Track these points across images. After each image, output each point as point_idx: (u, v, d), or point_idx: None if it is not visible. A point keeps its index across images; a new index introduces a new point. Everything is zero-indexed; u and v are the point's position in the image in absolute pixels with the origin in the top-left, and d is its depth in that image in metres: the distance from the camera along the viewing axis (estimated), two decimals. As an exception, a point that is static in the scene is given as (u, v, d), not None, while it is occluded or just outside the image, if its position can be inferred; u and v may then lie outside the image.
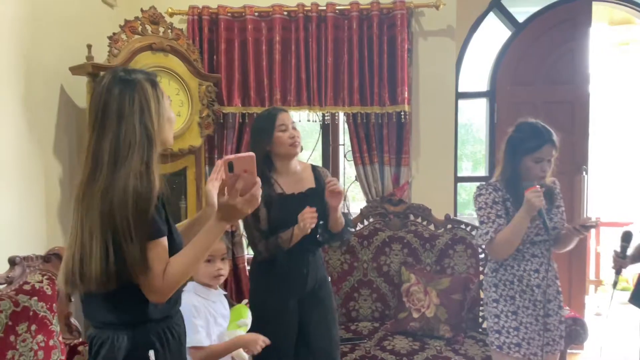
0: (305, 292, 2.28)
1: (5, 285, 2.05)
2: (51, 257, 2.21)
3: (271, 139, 2.21)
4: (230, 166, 1.36)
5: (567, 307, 2.56)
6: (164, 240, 1.37)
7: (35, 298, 2.03)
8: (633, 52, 6.31)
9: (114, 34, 2.74)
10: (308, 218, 2.14)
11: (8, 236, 2.34)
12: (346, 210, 2.41)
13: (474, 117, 4.80)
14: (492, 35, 3.91)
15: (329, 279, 2.48)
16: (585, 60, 3.67)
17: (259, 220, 2.22)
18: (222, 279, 2.02)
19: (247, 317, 2.07)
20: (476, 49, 3.84)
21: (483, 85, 3.93)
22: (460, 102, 3.85)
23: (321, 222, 2.23)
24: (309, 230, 2.15)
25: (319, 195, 2.23)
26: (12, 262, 2.09)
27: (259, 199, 1.40)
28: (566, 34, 3.68)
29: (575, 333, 2.42)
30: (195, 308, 1.89)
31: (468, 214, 5.07)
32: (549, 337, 2.15)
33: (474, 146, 5.53)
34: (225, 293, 2.12)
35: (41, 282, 2.11)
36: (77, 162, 2.85)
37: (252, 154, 1.39)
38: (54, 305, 2.12)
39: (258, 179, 1.39)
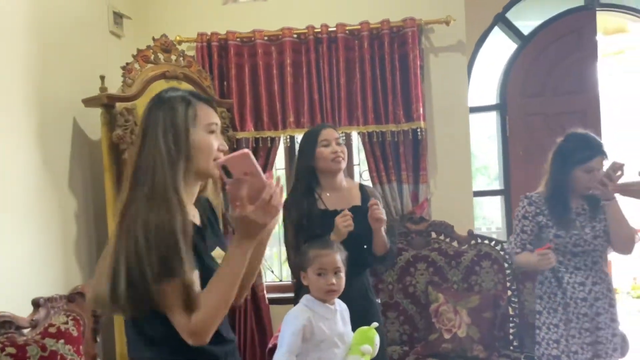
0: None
1: (30, 329, 1.95)
2: (75, 297, 2.13)
3: (314, 154, 2.20)
4: (225, 171, 1.17)
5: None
6: (186, 279, 1.18)
7: (62, 341, 1.95)
8: (629, 60, 6.38)
9: (127, 63, 2.69)
10: (341, 222, 2.07)
11: (26, 274, 2.25)
12: (389, 233, 2.28)
13: (481, 130, 4.80)
14: (499, 49, 3.92)
15: (379, 308, 2.34)
16: (593, 69, 3.67)
17: (296, 233, 2.18)
18: (336, 294, 1.80)
19: (375, 343, 1.79)
20: (484, 63, 3.83)
21: (492, 99, 3.93)
22: (470, 115, 3.83)
23: (365, 247, 2.18)
24: (345, 235, 2.06)
25: (364, 214, 2.15)
26: (36, 304, 2.00)
27: (277, 204, 1.19)
28: (572, 44, 3.68)
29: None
30: (295, 318, 1.72)
31: (486, 228, 5.03)
32: (601, 350, 2.11)
33: (481, 160, 5.51)
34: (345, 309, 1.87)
35: (66, 323, 2.03)
36: (92, 195, 2.78)
37: (245, 150, 1.17)
38: (81, 347, 2.03)
39: (267, 180, 1.18)
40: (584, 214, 2.16)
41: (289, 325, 1.72)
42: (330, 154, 2.19)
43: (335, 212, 2.18)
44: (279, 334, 1.77)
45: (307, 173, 2.25)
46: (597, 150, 2.11)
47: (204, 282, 1.22)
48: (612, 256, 5.51)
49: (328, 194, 2.25)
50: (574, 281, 2.13)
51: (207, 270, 1.24)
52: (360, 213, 2.17)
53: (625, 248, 2.13)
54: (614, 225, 2.10)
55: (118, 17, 3.15)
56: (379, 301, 2.42)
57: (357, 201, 2.27)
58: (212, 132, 1.29)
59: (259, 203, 1.16)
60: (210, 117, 1.30)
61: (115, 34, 3.14)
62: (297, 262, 2.15)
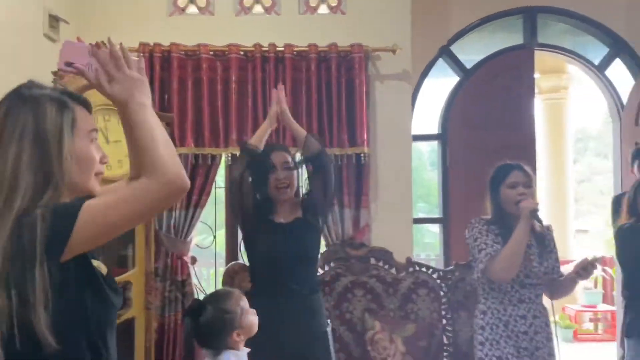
0: (290, 350, 2.06)
1: None
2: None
3: (266, 179, 2.23)
4: (69, 65, 1.10)
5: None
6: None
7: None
8: (563, 99, 6.74)
9: (60, 69, 2.54)
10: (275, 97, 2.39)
11: None
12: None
13: (421, 158, 4.89)
14: (443, 80, 4.02)
15: (329, 332, 2.31)
16: (530, 105, 3.82)
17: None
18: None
19: None
20: (428, 93, 3.91)
21: (434, 128, 4.00)
22: (414, 144, 3.88)
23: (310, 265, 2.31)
24: (275, 121, 2.45)
25: (304, 224, 2.28)
26: None
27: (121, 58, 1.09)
28: (511, 80, 3.81)
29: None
30: None
31: (425, 255, 5.09)
32: None
33: (420, 188, 5.62)
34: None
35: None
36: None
37: (64, 42, 1.13)
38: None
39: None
40: (532, 247, 2.20)
41: None
42: (274, 180, 2.22)
43: (281, 224, 2.27)
44: None
45: (264, 191, 2.28)
46: (512, 166, 2.24)
47: (95, 288, 1.05)
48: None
49: (277, 209, 2.30)
50: (516, 314, 2.16)
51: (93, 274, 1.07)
52: (300, 223, 2.27)
53: (561, 297, 2.32)
54: (565, 288, 2.25)
55: (54, 20, 2.99)
56: (329, 329, 2.36)
57: (299, 213, 2.31)
58: (92, 140, 1.11)
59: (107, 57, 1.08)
60: (90, 123, 1.13)
61: (49, 37, 2.97)
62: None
